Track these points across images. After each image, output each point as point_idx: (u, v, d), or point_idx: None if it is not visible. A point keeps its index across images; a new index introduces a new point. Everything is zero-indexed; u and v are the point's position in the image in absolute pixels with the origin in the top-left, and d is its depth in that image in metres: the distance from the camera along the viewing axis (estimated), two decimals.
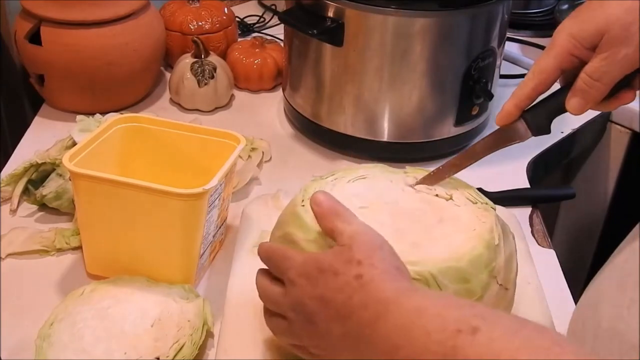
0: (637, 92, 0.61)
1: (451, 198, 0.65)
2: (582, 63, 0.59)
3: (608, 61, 0.57)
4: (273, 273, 0.58)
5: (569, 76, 0.61)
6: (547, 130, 0.62)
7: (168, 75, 1.16)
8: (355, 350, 0.50)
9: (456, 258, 0.57)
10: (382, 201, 0.64)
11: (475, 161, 0.66)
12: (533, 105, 0.62)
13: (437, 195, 0.65)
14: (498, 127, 0.65)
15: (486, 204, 0.64)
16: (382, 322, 0.48)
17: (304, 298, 0.53)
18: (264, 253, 0.59)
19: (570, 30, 0.58)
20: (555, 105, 0.61)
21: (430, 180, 0.66)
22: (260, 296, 0.60)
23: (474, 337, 0.43)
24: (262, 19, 1.40)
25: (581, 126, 1.12)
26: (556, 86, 0.63)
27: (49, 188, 0.83)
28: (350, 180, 0.66)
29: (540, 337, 0.43)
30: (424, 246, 0.59)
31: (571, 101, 0.59)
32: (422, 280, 0.55)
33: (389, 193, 0.66)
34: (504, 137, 0.64)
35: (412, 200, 0.65)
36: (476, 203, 0.64)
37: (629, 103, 0.61)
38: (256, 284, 0.60)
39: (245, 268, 0.76)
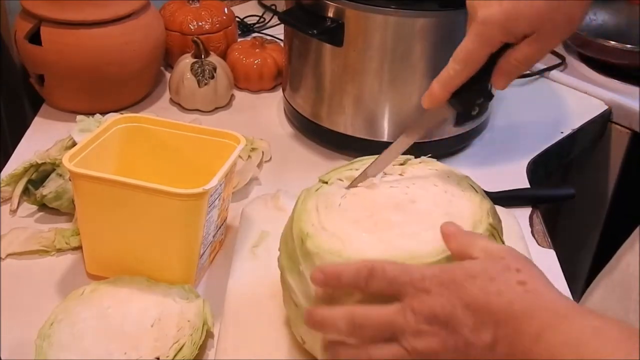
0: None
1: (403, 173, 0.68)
2: (507, 45, 0.61)
3: (539, 51, 0.60)
4: (381, 290, 0.52)
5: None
6: (472, 108, 0.65)
7: (168, 75, 1.16)
8: None
9: (480, 202, 0.62)
10: (377, 207, 0.63)
11: (408, 146, 0.67)
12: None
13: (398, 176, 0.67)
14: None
15: (421, 162, 0.69)
16: (550, 335, 0.44)
17: (447, 306, 0.48)
18: (364, 271, 0.52)
19: (502, 23, 0.59)
20: (478, 86, 0.63)
21: (372, 171, 0.67)
22: (359, 325, 0.52)
23: None
24: (262, 19, 1.40)
25: (581, 126, 1.12)
26: None
27: (49, 188, 0.83)
28: (326, 207, 0.63)
29: None
30: (455, 213, 0.61)
31: (499, 81, 0.62)
32: (492, 234, 0.59)
33: (365, 198, 0.64)
34: (431, 118, 0.66)
35: (385, 190, 0.65)
36: (422, 162, 0.69)
37: None
38: (337, 321, 0.52)
39: (245, 268, 0.76)
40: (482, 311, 0.47)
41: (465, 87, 0.62)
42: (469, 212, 0.61)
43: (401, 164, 0.68)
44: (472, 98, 0.64)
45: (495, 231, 0.60)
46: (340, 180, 0.67)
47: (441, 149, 0.98)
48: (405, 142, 0.67)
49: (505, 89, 0.64)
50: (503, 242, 0.61)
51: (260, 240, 0.80)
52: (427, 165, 0.68)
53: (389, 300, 0.51)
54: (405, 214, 0.61)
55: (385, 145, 0.96)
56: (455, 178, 0.66)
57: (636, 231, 0.56)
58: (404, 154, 0.69)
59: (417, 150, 0.70)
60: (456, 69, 0.61)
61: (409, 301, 0.50)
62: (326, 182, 0.67)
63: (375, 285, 0.52)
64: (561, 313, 0.45)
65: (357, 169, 0.68)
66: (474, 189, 0.65)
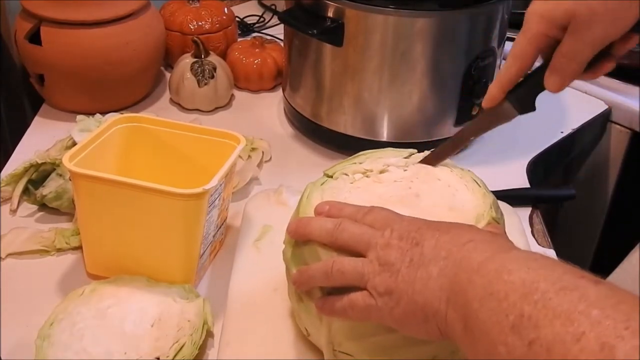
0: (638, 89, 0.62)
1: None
2: (557, 41, 0.60)
3: (579, 42, 0.59)
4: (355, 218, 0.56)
5: (548, 52, 0.62)
6: (533, 108, 0.64)
7: (168, 75, 1.16)
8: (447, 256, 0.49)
9: (483, 196, 0.63)
10: (382, 201, 0.63)
11: (465, 145, 0.67)
12: (516, 86, 0.64)
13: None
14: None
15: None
16: (487, 264, 0.45)
17: (421, 227, 0.52)
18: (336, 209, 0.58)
19: (541, 12, 0.60)
20: (536, 83, 0.63)
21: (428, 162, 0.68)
22: (341, 229, 0.55)
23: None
24: (262, 19, 1.40)
25: (581, 126, 1.12)
26: None
27: (49, 188, 0.83)
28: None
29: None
30: (459, 207, 0.61)
31: (550, 80, 0.61)
32: (493, 223, 0.60)
33: (371, 191, 0.65)
34: (492, 119, 0.66)
35: (390, 185, 0.66)
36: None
37: (609, 71, 0.63)
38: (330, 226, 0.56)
39: (248, 261, 0.76)
40: (446, 228, 0.51)
41: (522, 84, 0.63)
42: (472, 206, 0.61)
43: (405, 158, 0.68)
44: (529, 94, 0.63)
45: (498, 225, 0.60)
46: (346, 174, 0.67)
47: None
48: (460, 143, 0.69)
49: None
50: None
51: (263, 234, 0.80)
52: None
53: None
54: (410, 208, 0.61)
55: (385, 145, 0.96)
56: (458, 172, 0.66)
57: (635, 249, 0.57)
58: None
59: (417, 150, 0.71)
60: (508, 63, 0.62)
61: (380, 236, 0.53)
62: (331, 176, 0.67)
63: (356, 213, 0.56)
64: (504, 249, 0.46)
65: (361, 163, 0.68)
66: (477, 183, 0.65)
